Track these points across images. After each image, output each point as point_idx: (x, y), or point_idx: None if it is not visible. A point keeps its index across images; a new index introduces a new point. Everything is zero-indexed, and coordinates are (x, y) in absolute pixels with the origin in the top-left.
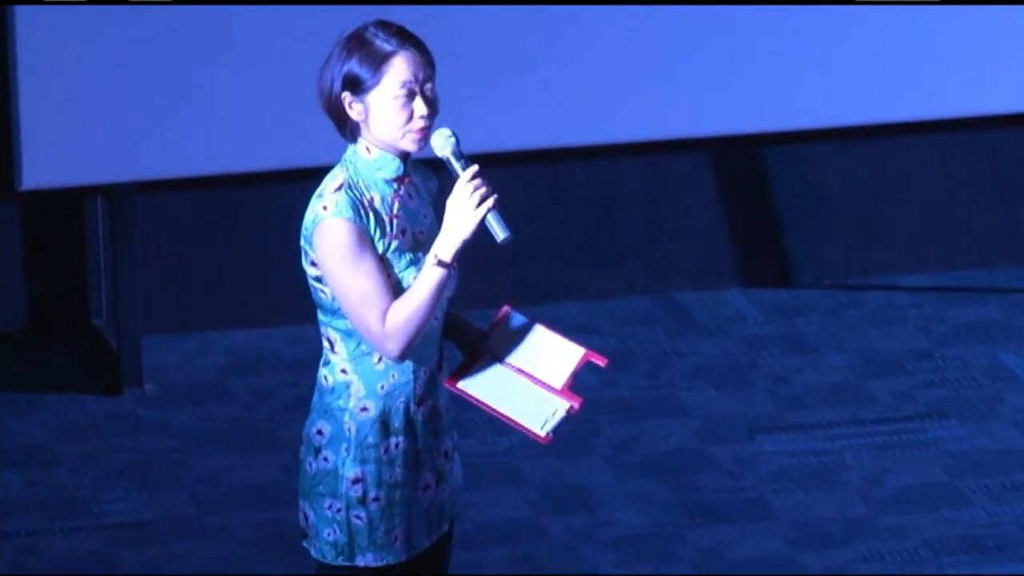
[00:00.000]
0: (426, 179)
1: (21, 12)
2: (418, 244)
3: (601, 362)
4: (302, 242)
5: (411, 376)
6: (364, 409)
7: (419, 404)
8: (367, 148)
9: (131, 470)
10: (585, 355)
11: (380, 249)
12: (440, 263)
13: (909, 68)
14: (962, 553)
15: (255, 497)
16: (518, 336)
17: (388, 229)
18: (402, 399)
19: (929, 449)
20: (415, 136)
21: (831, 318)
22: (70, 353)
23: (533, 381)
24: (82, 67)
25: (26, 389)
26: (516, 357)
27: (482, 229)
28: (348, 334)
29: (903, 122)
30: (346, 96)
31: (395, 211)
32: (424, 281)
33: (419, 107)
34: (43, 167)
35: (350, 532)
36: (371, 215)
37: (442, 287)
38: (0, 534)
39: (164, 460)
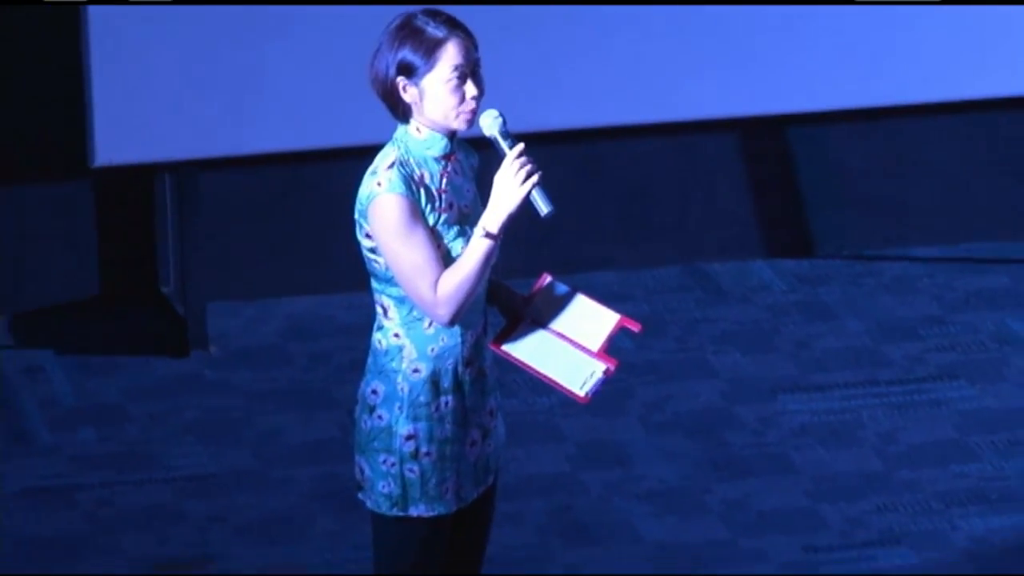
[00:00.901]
0: (469, 156)
1: None
2: (463, 217)
3: (635, 327)
4: (357, 216)
5: (459, 339)
6: (416, 370)
7: (467, 365)
8: (417, 128)
9: (197, 427)
10: (620, 320)
11: (431, 222)
12: (488, 235)
13: (927, 51)
14: (970, 504)
15: (313, 452)
16: (557, 302)
17: (437, 203)
18: (451, 361)
19: (940, 408)
20: (466, 116)
21: (850, 287)
22: (140, 319)
23: (572, 344)
24: (152, 52)
25: (100, 352)
26: (556, 322)
27: (527, 203)
28: (401, 301)
29: (920, 103)
30: (400, 81)
31: (443, 186)
32: (472, 252)
33: (470, 89)
34: (114, 146)
35: (404, 485)
36: (422, 190)
37: (489, 257)
38: (77, 486)
39: (228, 418)
